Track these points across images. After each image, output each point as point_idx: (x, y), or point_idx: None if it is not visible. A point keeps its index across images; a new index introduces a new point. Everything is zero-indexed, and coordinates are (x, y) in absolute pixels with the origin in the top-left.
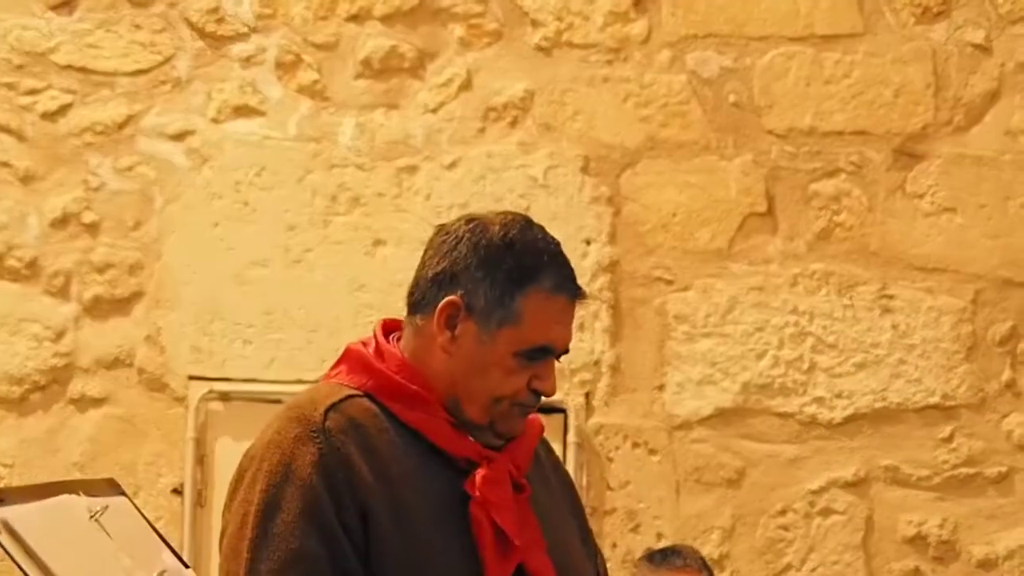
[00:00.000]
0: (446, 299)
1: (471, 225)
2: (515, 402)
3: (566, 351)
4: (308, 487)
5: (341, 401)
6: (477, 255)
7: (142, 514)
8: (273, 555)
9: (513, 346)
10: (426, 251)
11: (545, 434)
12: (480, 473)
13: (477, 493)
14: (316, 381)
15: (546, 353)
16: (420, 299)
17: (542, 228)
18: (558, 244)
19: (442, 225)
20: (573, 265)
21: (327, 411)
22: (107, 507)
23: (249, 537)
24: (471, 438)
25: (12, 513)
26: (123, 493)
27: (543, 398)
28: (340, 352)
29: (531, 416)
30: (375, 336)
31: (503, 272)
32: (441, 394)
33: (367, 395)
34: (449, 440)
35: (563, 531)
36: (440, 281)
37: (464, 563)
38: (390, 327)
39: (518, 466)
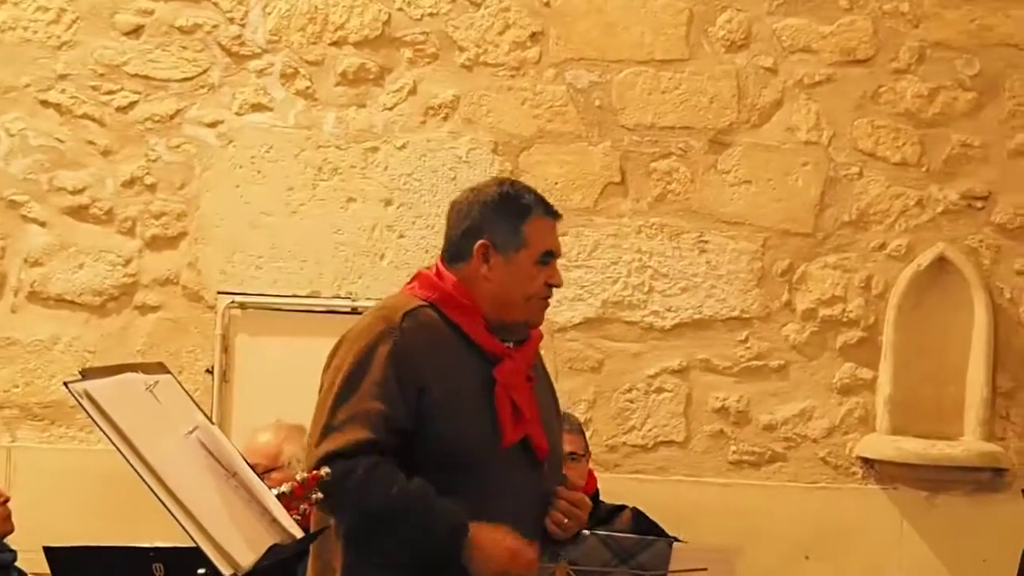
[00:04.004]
0: (478, 243)
1: (475, 193)
2: (540, 297)
3: (560, 255)
4: (381, 368)
5: (415, 309)
6: (489, 208)
7: (183, 387)
8: (348, 407)
9: (531, 259)
10: (449, 220)
11: None
12: (505, 363)
13: (501, 377)
14: (307, 295)
15: (551, 256)
16: (456, 253)
17: (516, 181)
18: (535, 189)
19: (455, 201)
20: None
21: (404, 315)
22: (158, 382)
23: (334, 394)
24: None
25: (91, 385)
26: (169, 372)
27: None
28: (332, 280)
29: (535, 330)
30: (437, 265)
31: (508, 214)
32: (487, 311)
33: (431, 305)
34: (485, 338)
35: (550, 414)
36: (469, 234)
37: (489, 426)
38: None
39: (528, 362)
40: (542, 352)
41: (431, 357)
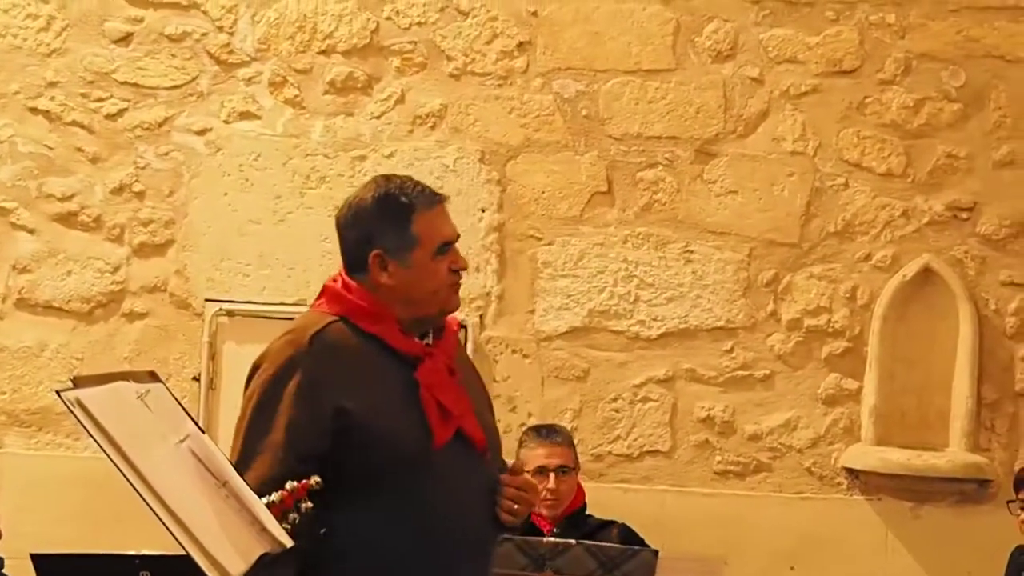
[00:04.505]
0: (372, 254)
1: (356, 203)
2: (448, 285)
3: (459, 237)
4: (291, 397)
5: (323, 328)
6: (372, 217)
7: (172, 395)
8: (257, 436)
9: (428, 254)
10: (339, 233)
11: None
12: (425, 363)
13: (423, 378)
14: (294, 303)
15: (448, 245)
16: (354, 263)
17: (396, 175)
18: (411, 177)
19: (337, 216)
20: (471, 228)
21: (312, 337)
22: (148, 390)
23: (245, 423)
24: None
25: (83, 394)
26: (159, 380)
27: (463, 275)
28: (319, 288)
29: (450, 319)
30: (341, 276)
31: (392, 218)
32: (399, 312)
33: (342, 318)
34: (401, 342)
35: (479, 403)
36: (359, 246)
37: (418, 430)
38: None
39: (449, 356)
40: (528, 361)
41: (345, 375)
